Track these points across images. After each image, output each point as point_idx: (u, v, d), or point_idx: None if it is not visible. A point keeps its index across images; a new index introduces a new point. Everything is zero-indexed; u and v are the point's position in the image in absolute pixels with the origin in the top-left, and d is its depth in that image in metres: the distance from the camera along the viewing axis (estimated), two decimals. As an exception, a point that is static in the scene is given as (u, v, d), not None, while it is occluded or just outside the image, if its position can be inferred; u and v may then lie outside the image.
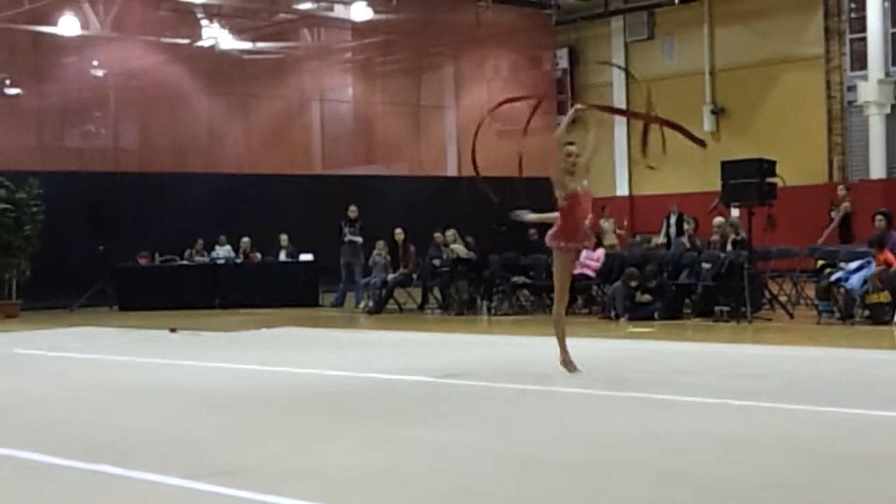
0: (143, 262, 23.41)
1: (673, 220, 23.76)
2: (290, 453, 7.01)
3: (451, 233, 20.46)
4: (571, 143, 10.27)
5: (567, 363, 10.35)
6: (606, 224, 24.65)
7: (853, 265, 15.08)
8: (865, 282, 14.75)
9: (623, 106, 30.58)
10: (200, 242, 23.90)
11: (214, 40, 29.22)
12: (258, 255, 23.70)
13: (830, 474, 6.06)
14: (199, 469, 6.48)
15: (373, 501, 5.67)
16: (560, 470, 6.32)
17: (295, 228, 23.75)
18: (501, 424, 7.95)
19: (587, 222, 10.45)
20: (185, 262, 23.63)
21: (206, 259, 23.82)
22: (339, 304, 22.16)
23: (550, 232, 10.40)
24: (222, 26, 29.18)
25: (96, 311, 21.97)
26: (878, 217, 15.86)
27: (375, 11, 29.31)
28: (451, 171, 32.50)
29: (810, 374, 10.31)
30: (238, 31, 29.84)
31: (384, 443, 7.29)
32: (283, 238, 23.42)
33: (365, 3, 28.96)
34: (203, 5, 28.52)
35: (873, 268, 14.83)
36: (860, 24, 26.14)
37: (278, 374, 11.35)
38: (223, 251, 23.91)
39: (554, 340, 10.42)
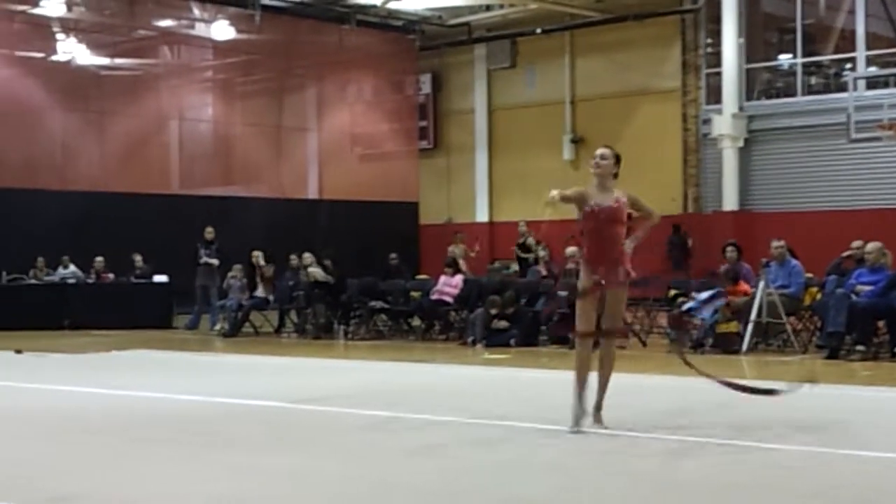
0: (-11, 280, 22.68)
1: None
2: (128, 481, 6.78)
3: (307, 256, 20.31)
4: (608, 147, 8.87)
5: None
6: (457, 250, 24.79)
7: (704, 295, 15.33)
8: (716, 311, 15.04)
9: (485, 132, 30.97)
10: (41, 261, 23.24)
11: (71, 55, 28.64)
12: (110, 276, 23.17)
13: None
14: (31, 495, 6.23)
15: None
16: (411, 495, 6.24)
17: (150, 249, 23.28)
18: (354, 451, 7.82)
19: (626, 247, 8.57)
20: (33, 282, 22.96)
21: (55, 278, 23.18)
22: (193, 326, 21.82)
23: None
24: (79, 41, 28.61)
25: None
26: (730, 248, 16.19)
27: (237, 31, 29.05)
28: (312, 195, 32.26)
29: (651, 403, 10.44)
30: (95, 47, 29.26)
31: (232, 470, 7.11)
32: (138, 258, 22.95)
33: (227, 23, 28.69)
34: (59, 19, 27.91)
35: (724, 299, 15.14)
36: (716, 59, 26.79)
37: (127, 399, 11.04)
38: (68, 272, 23.29)
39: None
